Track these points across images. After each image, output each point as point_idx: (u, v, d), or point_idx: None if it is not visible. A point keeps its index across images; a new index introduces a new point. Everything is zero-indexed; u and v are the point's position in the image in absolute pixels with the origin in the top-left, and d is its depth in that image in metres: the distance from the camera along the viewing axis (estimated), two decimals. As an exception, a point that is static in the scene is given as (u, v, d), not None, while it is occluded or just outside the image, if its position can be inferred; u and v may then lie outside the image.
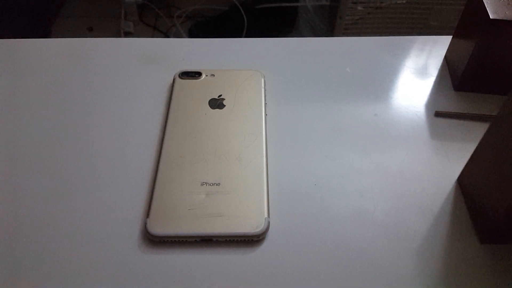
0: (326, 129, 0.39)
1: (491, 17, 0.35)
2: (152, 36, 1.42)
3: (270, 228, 0.32)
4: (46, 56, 0.44)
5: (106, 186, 0.34)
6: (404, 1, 1.05)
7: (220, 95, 0.39)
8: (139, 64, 0.44)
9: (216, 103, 0.39)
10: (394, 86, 0.43)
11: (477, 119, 0.39)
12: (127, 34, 1.40)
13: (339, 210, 0.33)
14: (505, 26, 0.35)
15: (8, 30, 1.13)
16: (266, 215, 0.32)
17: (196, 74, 0.41)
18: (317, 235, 0.32)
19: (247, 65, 0.44)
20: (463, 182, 0.34)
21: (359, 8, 1.06)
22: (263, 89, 0.40)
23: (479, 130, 0.38)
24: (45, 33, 1.36)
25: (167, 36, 1.41)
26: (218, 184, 0.33)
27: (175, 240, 0.31)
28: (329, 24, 1.15)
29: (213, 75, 0.41)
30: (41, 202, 0.33)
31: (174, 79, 0.41)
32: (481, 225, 0.31)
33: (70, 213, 0.33)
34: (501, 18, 0.35)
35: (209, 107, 0.39)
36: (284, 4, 1.27)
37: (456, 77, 0.42)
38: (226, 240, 0.31)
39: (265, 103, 0.40)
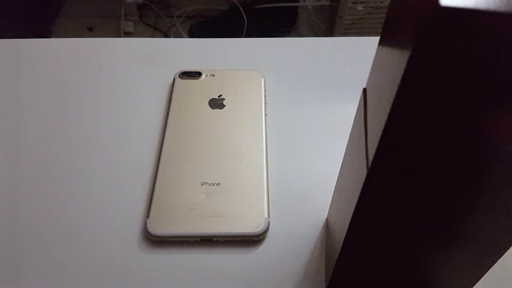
0: (326, 129, 0.39)
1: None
2: (152, 36, 1.42)
3: (270, 228, 0.32)
4: (46, 56, 0.44)
5: (106, 186, 0.34)
6: (404, 1, 1.04)
7: (220, 95, 0.39)
8: (139, 64, 0.44)
9: (216, 103, 0.39)
10: (394, 86, 0.42)
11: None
12: (127, 34, 1.40)
13: (339, 210, 0.33)
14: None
15: (8, 30, 1.13)
16: (266, 215, 0.32)
17: (196, 74, 0.41)
18: (317, 235, 0.32)
19: (247, 65, 0.44)
20: None
21: (359, 8, 1.06)
22: (263, 89, 0.40)
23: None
24: (45, 33, 1.36)
25: (167, 36, 1.41)
26: (218, 184, 0.33)
27: (175, 240, 0.31)
28: (329, 24, 1.15)
29: (213, 75, 0.41)
30: (41, 202, 0.33)
31: (174, 79, 0.41)
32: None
33: (70, 213, 0.33)
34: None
35: (209, 107, 0.39)
36: (284, 4, 1.27)
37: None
38: (226, 240, 0.31)
39: (265, 103, 0.40)
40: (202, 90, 0.40)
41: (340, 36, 1.07)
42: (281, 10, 1.30)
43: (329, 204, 0.33)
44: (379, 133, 0.17)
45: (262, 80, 0.41)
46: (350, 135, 0.26)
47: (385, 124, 0.16)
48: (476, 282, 0.25)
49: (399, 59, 0.15)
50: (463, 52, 0.13)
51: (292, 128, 0.39)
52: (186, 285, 0.30)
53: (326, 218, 0.33)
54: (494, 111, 0.15)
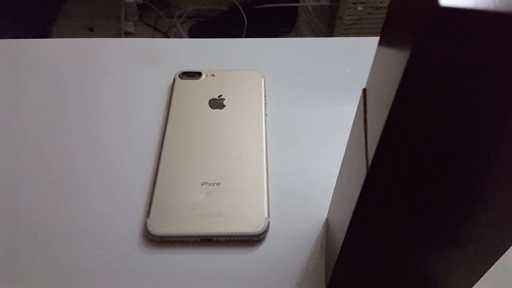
0: (326, 129, 0.39)
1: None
2: (152, 36, 1.42)
3: (270, 228, 0.32)
4: (46, 56, 0.44)
5: (106, 186, 0.34)
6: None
7: (220, 95, 0.39)
8: (139, 64, 0.44)
9: (216, 103, 0.39)
10: (394, 86, 0.42)
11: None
12: (128, 34, 1.40)
13: (339, 210, 0.33)
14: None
15: (8, 30, 1.13)
16: (266, 215, 0.32)
17: (196, 74, 0.41)
18: (317, 235, 0.32)
19: (247, 65, 0.44)
20: None
21: (359, 8, 1.06)
22: (263, 89, 0.40)
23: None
24: (45, 33, 1.36)
25: (167, 36, 1.41)
26: (218, 184, 0.33)
27: (175, 240, 0.31)
28: (329, 24, 1.15)
29: (213, 75, 0.41)
30: (41, 202, 0.33)
31: (174, 79, 0.41)
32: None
33: (70, 212, 0.33)
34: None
35: (209, 107, 0.39)
36: (284, 4, 1.27)
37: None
38: (226, 240, 0.31)
39: (265, 103, 0.40)
40: (202, 90, 0.40)
41: (340, 36, 1.07)
42: (281, 10, 1.30)
43: (329, 204, 0.33)
44: (379, 133, 0.17)
45: (262, 80, 0.41)
46: (350, 135, 0.26)
47: (385, 124, 0.16)
48: (476, 282, 0.25)
49: (399, 59, 0.15)
50: (463, 52, 0.13)
51: (292, 128, 0.39)
52: (186, 285, 0.30)
53: (326, 218, 0.33)
54: (494, 111, 0.15)
